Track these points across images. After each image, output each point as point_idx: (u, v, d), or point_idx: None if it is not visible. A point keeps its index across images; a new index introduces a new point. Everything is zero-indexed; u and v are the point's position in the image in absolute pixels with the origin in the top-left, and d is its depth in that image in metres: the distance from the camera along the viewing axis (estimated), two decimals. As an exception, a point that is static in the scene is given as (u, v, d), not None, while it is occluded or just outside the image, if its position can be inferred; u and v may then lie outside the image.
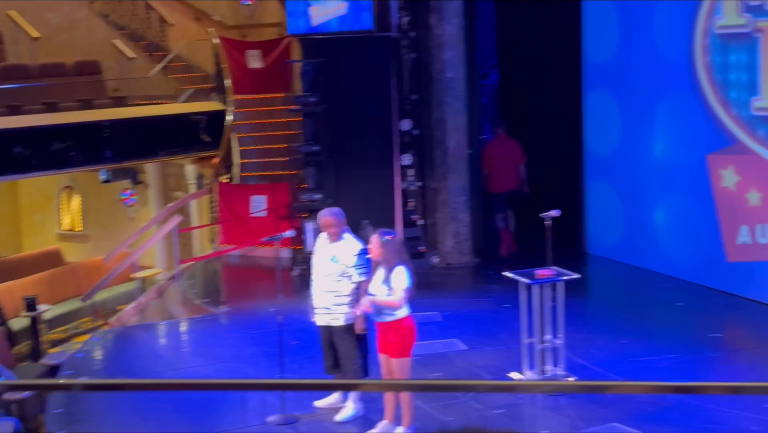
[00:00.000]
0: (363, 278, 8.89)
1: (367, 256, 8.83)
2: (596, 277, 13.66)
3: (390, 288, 8.56)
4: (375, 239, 8.66)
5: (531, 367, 9.83)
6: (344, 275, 8.95)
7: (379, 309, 8.64)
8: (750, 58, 11.56)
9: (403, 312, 8.65)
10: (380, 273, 8.66)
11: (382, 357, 8.80)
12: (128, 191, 19.78)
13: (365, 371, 9.07)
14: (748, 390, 4.05)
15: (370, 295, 8.65)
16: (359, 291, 8.89)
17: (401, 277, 8.56)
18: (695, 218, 12.47)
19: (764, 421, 8.92)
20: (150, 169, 18.80)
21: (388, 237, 8.61)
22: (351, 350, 8.97)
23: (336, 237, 8.98)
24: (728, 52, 11.85)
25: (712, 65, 12.05)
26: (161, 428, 9.17)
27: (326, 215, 9.02)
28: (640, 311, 12.07)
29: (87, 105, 16.12)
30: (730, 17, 11.77)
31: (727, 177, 12.00)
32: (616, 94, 13.53)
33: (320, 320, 9.10)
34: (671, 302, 12.19)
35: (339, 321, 9.00)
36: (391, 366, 8.70)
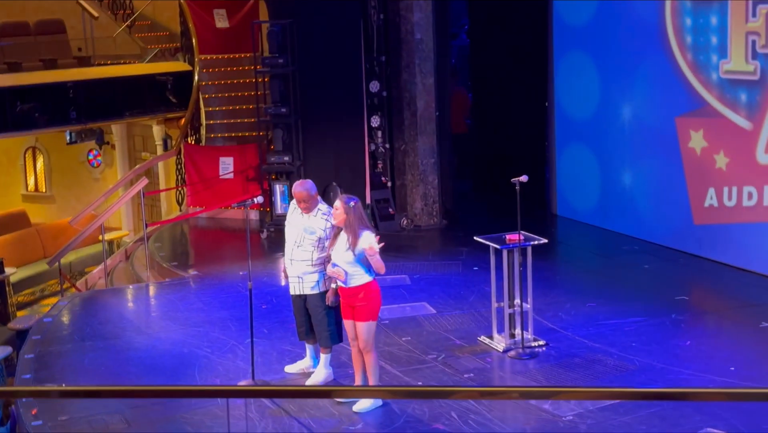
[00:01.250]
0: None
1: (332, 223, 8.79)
2: (565, 240, 13.70)
3: (356, 254, 8.53)
4: (339, 205, 8.60)
5: (500, 331, 9.89)
6: (317, 244, 8.93)
7: (350, 275, 8.62)
8: (719, 21, 11.57)
9: (370, 276, 8.64)
10: (343, 239, 8.61)
11: (348, 323, 8.78)
12: (94, 152, 19.61)
13: (339, 337, 9.09)
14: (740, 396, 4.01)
15: (335, 265, 8.62)
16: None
17: (371, 240, 8.53)
18: (666, 181, 12.52)
19: (728, 384, 9.02)
20: (116, 130, 18.62)
21: (353, 203, 8.57)
22: (324, 317, 8.99)
23: (308, 211, 8.96)
24: (698, 15, 11.85)
25: (682, 28, 12.05)
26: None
27: (299, 190, 8.97)
28: (608, 273, 12.14)
29: (51, 65, 15.93)
30: (700, -20, 11.75)
31: (695, 140, 12.04)
32: (595, 58, 13.47)
33: (293, 288, 9.09)
34: (639, 264, 12.26)
35: (312, 289, 9.00)
36: (357, 331, 8.68)
